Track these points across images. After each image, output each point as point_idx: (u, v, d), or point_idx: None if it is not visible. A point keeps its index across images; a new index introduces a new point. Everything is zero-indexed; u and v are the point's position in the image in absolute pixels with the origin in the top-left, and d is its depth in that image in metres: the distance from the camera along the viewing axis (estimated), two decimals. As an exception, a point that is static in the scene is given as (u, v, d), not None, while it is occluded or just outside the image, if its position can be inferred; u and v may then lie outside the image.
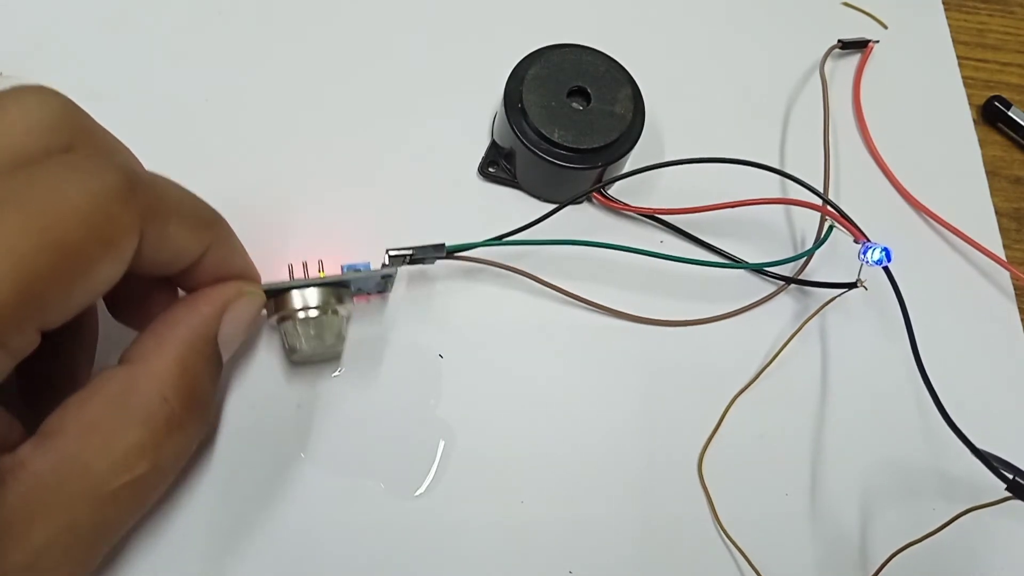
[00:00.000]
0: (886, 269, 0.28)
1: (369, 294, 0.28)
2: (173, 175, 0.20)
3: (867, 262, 0.28)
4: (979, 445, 0.25)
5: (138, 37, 0.32)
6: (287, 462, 0.26)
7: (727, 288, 0.31)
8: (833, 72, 0.37)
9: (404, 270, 0.29)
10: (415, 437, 0.27)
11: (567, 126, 0.29)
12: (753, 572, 0.26)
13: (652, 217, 0.32)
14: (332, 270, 0.26)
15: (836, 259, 0.32)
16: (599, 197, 0.31)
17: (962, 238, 0.34)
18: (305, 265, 0.26)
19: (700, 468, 0.28)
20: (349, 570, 0.25)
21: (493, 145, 0.32)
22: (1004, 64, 0.41)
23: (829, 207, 0.29)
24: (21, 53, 0.31)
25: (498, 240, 0.28)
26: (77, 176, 0.17)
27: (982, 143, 0.37)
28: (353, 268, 0.25)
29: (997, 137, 0.38)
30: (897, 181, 0.35)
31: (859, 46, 0.38)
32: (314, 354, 0.26)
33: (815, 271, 0.32)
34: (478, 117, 0.33)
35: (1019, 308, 0.33)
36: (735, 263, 0.31)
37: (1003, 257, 0.34)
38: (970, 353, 0.32)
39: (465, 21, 0.35)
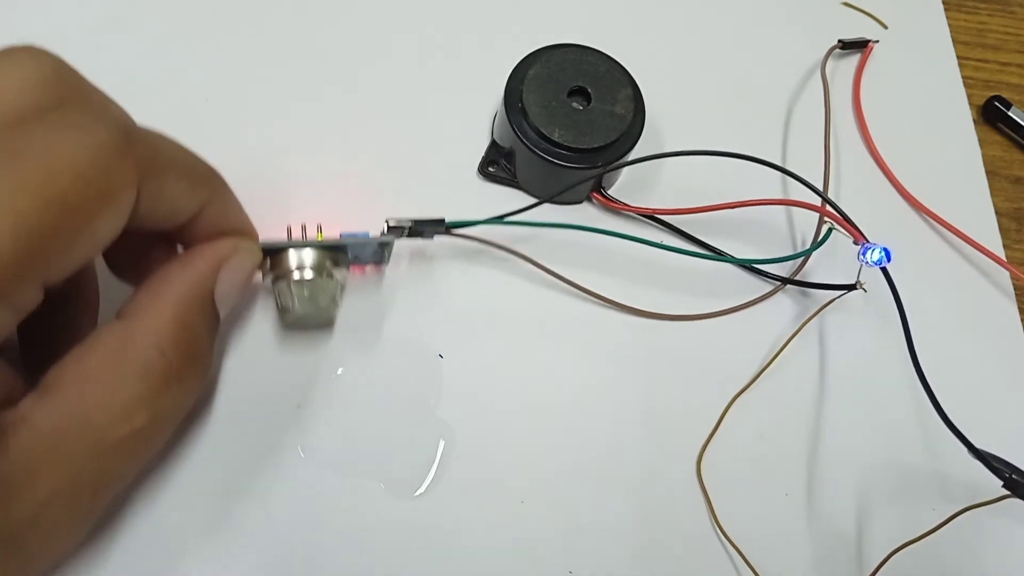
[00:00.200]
0: (884, 270, 0.28)
1: (366, 264, 0.28)
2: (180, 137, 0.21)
3: (866, 262, 0.28)
4: (979, 446, 0.25)
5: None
6: (287, 462, 0.26)
7: (726, 286, 0.31)
8: (833, 72, 0.37)
9: (404, 250, 0.29)
10: (415, 437, 0.27)
11: (567, 126, 0.29)
12: (751, 572, 0.27)
13: (651, 217, 0.32)
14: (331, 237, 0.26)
15: (836, 259, 0.32)
16: (599, 197, 0.31)
17: (962, 238, 0.34)
18: (304, 227, 0.26)
19: (699, 468, 0.28)
20: (349, 570, 0.25)
21: (493, 145, 0.32)
22: (1004, 64, 0.41)
23: (829, 207, 0.29)
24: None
25: (499, 219, 0.28)
26: (73, 132, 0.17)
27: (982, 143, 0.37)
28: (351, 236, 0.26)
29: (997, 137, 0.38)
30: (897, 181, 0.35)
31: (859, 46, 0.38)
32: (307, 316, 0.26)
33: (815, 271, 0.32)
34: (478, 117, 0.33)
35: (1019, 308, 0.33)
36: (726, 257, 0.31)
37: (1003, 257, 0.34)
38: (970, 353, 0.32)
39: (466, 21, 0.35)
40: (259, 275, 0.25)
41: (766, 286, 0.32)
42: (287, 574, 0.24)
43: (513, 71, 0.31)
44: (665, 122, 0.34)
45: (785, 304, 0.32)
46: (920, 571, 0.28)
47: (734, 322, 0.31)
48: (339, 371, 0.27)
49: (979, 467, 0.25)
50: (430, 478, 0.26)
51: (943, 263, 0.34)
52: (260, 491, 0.25)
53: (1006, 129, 0.38)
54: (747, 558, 0.27)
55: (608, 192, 0.32)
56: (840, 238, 0.29)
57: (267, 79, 0.32)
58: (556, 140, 0.29)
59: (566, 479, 0.27)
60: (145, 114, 0.20)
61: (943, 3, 0.41)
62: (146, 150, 0.19)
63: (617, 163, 0.30)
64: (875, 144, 0.36)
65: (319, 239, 0.25)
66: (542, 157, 0.29)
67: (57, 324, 0.22)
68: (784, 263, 0.31)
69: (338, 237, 0.25)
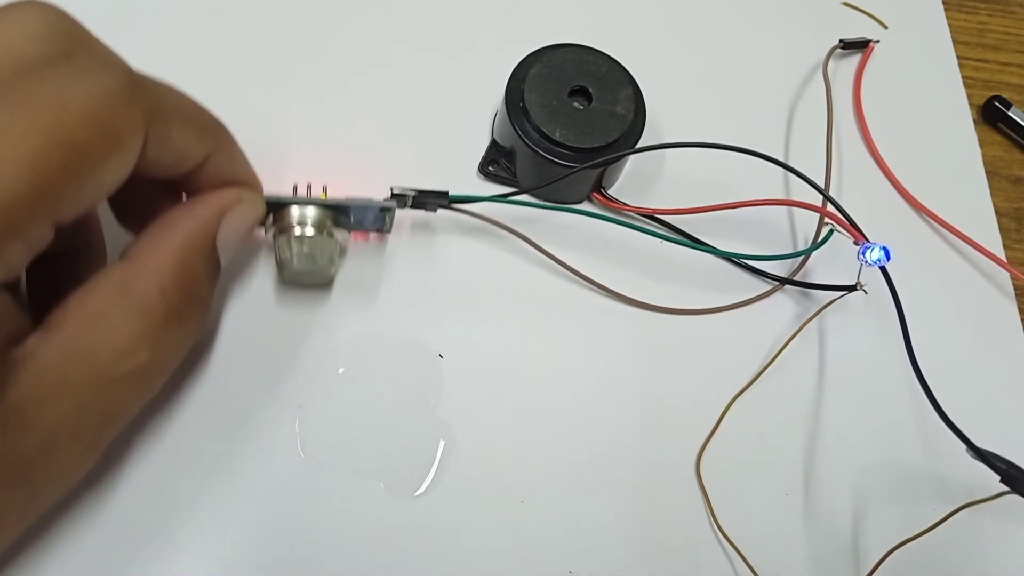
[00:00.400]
0: (883, 269, 0.28)
1: (368, 231, 0.28)
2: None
3: (866, 262, 0.28)
4: (978, 445, 0.25)
5: None
6: (286, 462, 0.26)
7: (726, 284, 0.31)
8: (834, 72, 0.37)
9: (407, 221, 0.30)
10: (415, 437, 0.27)
11: (568, 125, 0.29)
12: (750, 571, 0.27)
13: (652, 217, 0.32)
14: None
15: (837, 260, 0.32)
16: (599, 197, 0.31)
17: (962, 238, 0.34)
18: (309, 186, 0.26)
19: (699, 468, 0.28)
20: (349, 570, 0.25)
21: (493, 144, 0.32)
22: (1004, 64, 0.41)
23: (830, 206, 0.29)
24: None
25: (502, 197, 0.28)
26: (81, 79, 0.18)
27: (982, 143, 0.37)
28: (355, 200, 0.26)
29: (997, 137, 0.38)
30: (897, 181, 0.35)
31: (860, 46, 0.38)
32: (305, 273, 0.26)
33: (816, 272, 0.32)
34: (478, 116, 0.33)
35: (1019, 308, 0.33)
36: (725, 252, 0.31)
37: (1003, 257, 0.34)
38: (970, 353, 0.32)
39: (466, 21, 0.35)
40: (261, 229, 0.25)
41: (765, 285, 0.32)
42: (287, 574, 0.25)
43: (514, 71, 0.31)
44: (666, 122, 0.34)
45: (785, 304, 0.32)
46: (918, 570, 0.28)
47: (734, 321, 0.31)
48: (340, 371, 0.27)
49: (978, 468, 0.25)
50: (430, 478, 0.26)
51: (943, 263, 0.34)
52: (260, 491, 0.25)
53: (1006, 129, 0.38)
54: (746, 557, 0.27)
55: (608, 192, 0.32)
56: (840, 238, 0.29)
57: (267, 79, 0.32)
58: (557, 139, 0.29)
59: (566, 479, 0.27)
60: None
61: (943, 3, 0.41)
62: (153, 98, 0.20)
63: (616, 154, 0.30)
64: (875, 144, 0.36)
65: (323, 198, 0.26)
66: (543, 156, 0.29)
67: (64, 270, 0.22)
68: (784, 262, 0.31)
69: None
